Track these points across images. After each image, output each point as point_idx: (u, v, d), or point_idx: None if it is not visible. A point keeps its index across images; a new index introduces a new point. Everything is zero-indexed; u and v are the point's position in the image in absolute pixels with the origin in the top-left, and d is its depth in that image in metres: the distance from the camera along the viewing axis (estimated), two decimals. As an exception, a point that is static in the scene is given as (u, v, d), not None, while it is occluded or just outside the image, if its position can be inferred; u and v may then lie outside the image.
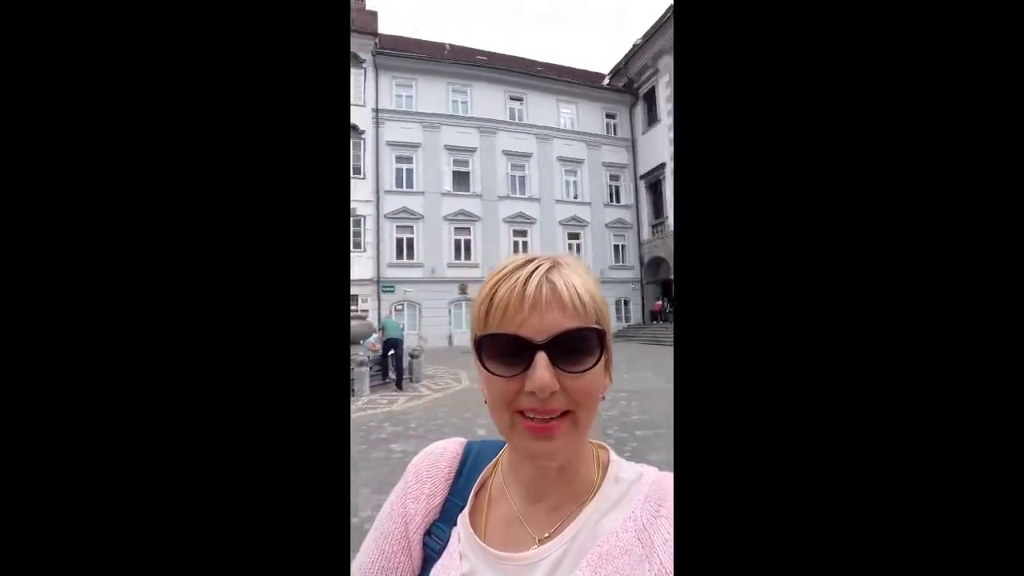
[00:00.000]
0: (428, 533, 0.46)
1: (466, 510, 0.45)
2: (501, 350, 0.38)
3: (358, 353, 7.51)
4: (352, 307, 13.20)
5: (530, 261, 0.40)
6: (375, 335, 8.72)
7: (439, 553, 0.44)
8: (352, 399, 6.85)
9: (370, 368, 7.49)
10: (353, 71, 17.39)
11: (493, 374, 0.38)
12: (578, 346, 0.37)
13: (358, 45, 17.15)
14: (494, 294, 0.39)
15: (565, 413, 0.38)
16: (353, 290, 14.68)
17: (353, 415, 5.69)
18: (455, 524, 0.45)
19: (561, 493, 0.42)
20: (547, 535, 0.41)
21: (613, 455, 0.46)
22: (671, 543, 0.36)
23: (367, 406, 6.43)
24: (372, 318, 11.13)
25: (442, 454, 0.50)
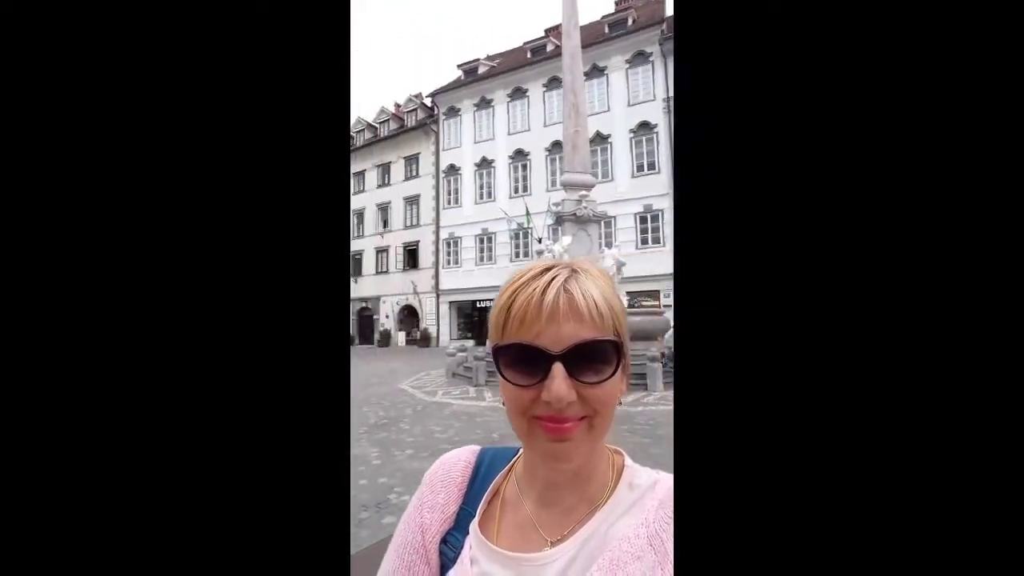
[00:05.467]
0: (444, 541, 0.47)
1: (477, 516, 0.46)
2: (518, 359, 0.38)
3: (650, 348, 7.66)
4: (654, 303, 12.39)
5: (548, 269, 0.40)
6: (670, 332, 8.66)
7: (454, 560, 0.44)
8: (645, 393, 7.11)
9: (663, 365, 7.60)
10: (641, 68, 16.35)
11: (510, 382, 0.39)
12: (595, 357, 0.38)
13: (645, 40, 16.10)
14: (512, 303, 0.39)
15: (582, 417, 0.38)
16: (652, 285, 13.99)
17: (643, 408, 6.16)
18: (468, 533, 0.46)
19: (574, 497, 0.43)
20: (559, 538, 0.42)
21: (629, 460, 0.46)
22: None
23: (659, 401, 6.56)
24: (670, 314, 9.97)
25: (455, 463, 0.51)
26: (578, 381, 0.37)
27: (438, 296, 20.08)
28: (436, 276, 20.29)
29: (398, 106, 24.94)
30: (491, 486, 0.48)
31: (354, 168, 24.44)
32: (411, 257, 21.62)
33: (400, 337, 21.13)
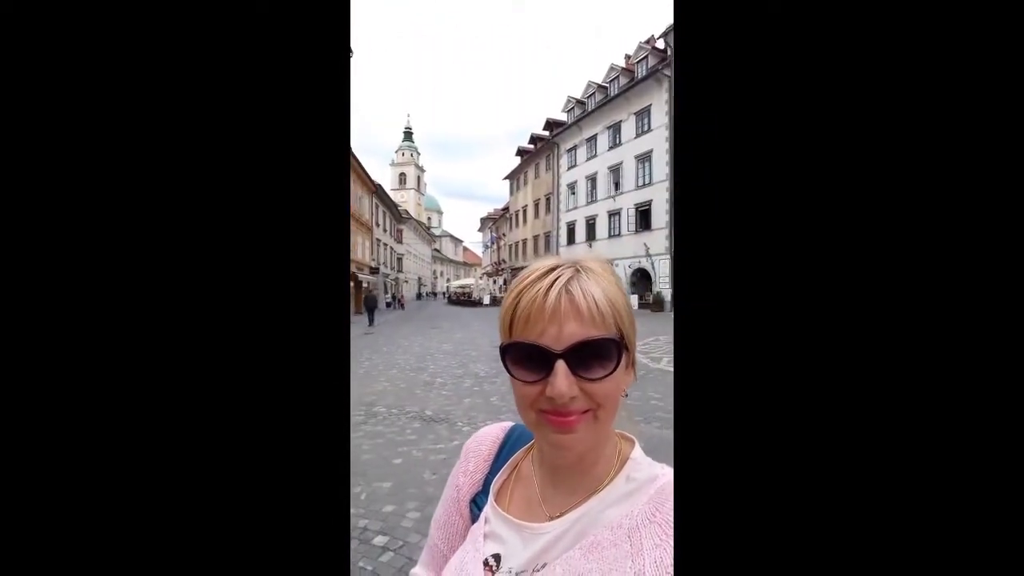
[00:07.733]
0: (473, 501, 0.54)
1: (495, 484, 0.52)
2: (524, 357, 0.41)
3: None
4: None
5: (553, 270, 0.42)
6: None
7: (477, 518, 0.52)
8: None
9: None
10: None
11: (517, 379, 0.41)
12: (596, 354, 0.40)
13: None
14: (517, 304, 0.41)
15: (586, 410, 0.40)
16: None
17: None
18: None
19: (576, 481, 0.46)
20: (558, 514, 0.46)
21: (636, 452, 0.47)
22: (659, 548, 0.39)
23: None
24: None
25: (485, 437, 0.58)
26: (580, 377, 0.39)
27: (673, 257, 18.74)
28: (671, 236, 18.91)
29: (628, 58, 23.71)
30: (511, 460, 0.54)
31: (586, 134, 24.82)
32: (643, 218, 20.79)
33: (632, 301, 20.71)
